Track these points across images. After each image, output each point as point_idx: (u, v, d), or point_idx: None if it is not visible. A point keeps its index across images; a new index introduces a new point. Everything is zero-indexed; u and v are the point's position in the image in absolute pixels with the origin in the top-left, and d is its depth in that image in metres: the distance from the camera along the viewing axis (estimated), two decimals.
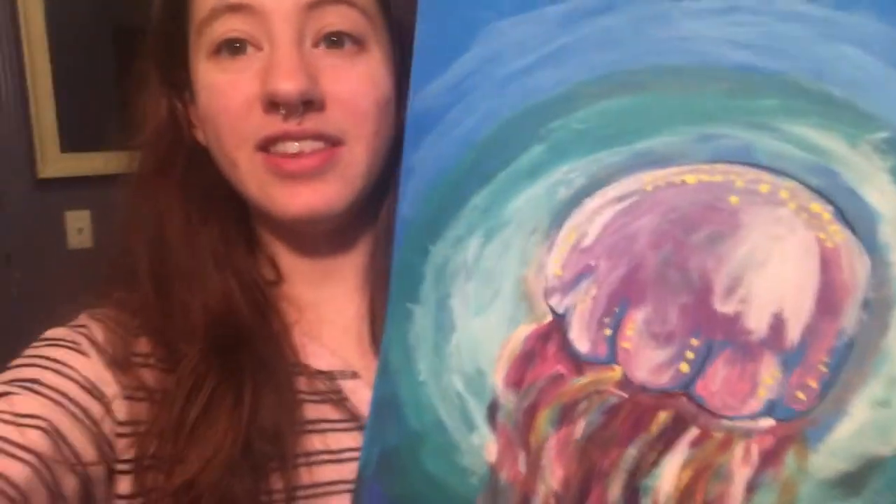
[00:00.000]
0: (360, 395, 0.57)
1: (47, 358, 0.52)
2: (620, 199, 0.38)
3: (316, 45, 0.52)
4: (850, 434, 0.36)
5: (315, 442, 0.55)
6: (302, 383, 0.56)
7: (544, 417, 0.39)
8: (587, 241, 0.39)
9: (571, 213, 0.39)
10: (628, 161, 0.38)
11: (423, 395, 0.41)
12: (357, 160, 0.54)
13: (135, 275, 0.57)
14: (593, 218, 0.38)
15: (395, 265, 0.42)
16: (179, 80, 0.57)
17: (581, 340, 0.39)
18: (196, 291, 0.56)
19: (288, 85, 0.50)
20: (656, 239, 0.38)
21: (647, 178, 0.38)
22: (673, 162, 0.37)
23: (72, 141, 1.90)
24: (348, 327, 0.59)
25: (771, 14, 0.36)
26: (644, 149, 0.38)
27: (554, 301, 0.39)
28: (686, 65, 0.37)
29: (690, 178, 0.37)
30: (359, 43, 0.53)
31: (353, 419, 0.56)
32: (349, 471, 0.50)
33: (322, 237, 0.59)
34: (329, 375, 0.57)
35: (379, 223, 0.58)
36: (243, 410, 0.52)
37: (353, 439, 0.55)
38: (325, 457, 0.55)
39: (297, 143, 0.53)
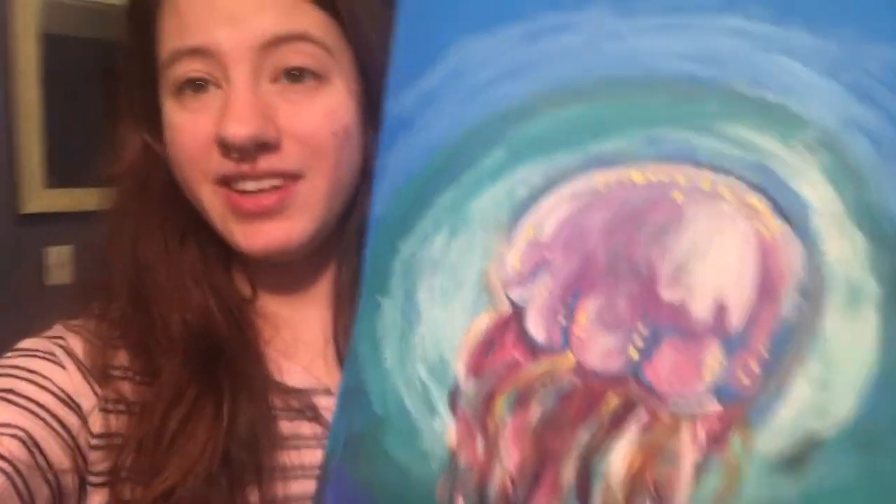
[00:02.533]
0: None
1: (22, 368, 0.53)
2: (574, 197, 0.41)
3: (276, 80, 0.53)
4: (791, 414, 0.37)
5: (289, 457, 0.56)
6: (276, 400, 0.57)
7: (501, 403, 0.41)
8: (544, 236, 0.41)
9: (529, 211, 0.42)
10: (582, 162, 0.41)
11: (388, 383, 0.42)
12: (318, 193, 0.55)
13: (112, 289, 0.59)
14: (549, 215, 0.41)
15: (367, 260, 0.44)
16: (152, 116, 0.59)
17: (537, 329, 0.41)
18: (174, 306, 0.57)
19: (239, 129, 0.51)
20: (607, 233, 0.40)
21: (599, 178, 0.41)
22: (622, 163, 0.40)
23: (57, 176, 1.92)
24: (321, 345, 0.61)
25: (714, 29, 0.40)
26: (596, 151, 0.41)
27: (513, 292, 0.41)
28: (634, 75, 0.41)
29: (638, 177, 0.40)
30: (319, 77, 0.54)
31: (326, 436, 0.58)
32: None
33: (294, 261, 0.60)
34: (303, 393, 0.58)
35: (342, 244, 0.60)
36: (222, 422, 0.53)
37: None
38: (299, 472, 0.56)
39: (254, 182, 0.54)
